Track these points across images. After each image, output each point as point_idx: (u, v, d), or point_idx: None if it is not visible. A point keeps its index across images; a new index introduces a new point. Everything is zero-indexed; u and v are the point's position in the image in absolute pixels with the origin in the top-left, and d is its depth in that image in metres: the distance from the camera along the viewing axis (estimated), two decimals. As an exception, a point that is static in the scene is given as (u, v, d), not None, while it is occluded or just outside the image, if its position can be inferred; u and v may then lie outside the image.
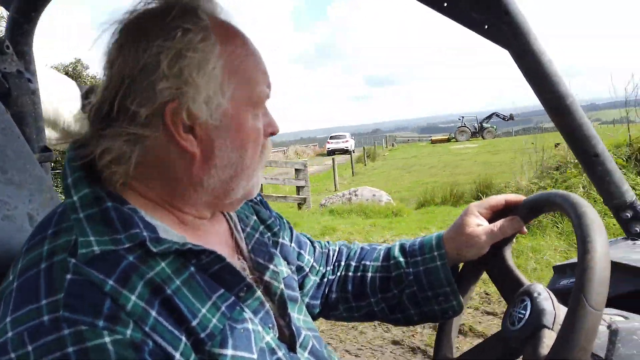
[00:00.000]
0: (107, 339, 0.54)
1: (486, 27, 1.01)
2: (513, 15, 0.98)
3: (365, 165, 24.96)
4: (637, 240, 1.07)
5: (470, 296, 1.02)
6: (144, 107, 0.64)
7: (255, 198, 0.96)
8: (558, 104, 1.01)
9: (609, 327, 0.75)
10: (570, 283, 1.04)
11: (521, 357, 0.78)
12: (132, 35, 0.66)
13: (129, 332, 0.56)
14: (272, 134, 0.77)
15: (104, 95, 0.66)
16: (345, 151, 34.83)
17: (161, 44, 0.64)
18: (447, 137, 41.91)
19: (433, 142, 41.68)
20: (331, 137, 41.30)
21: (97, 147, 0.66)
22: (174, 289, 0.62)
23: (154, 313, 0.59)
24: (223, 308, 0.66)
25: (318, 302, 1.04)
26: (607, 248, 0.67)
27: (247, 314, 0.70)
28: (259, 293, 0.74)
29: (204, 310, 0.64)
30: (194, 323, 0.62)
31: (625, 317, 0.79)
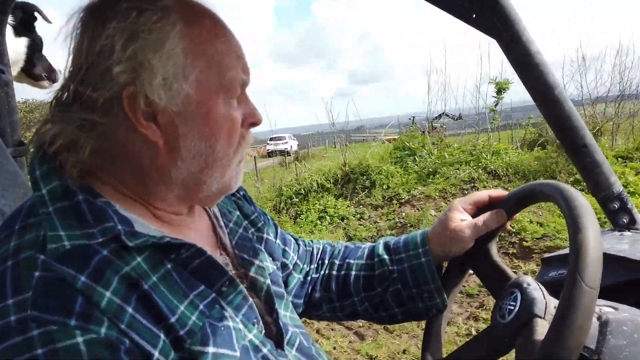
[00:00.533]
0: (79, 339, 0.51)
1: (474, 16, 0.99)
2: (502, 4, 0.97)
3: (286, 168, 24.81)
4: (624, 231, 1.07)
5: (455, 295, 1.01)
6: (99, 92, 0.61)
7: (238, 193, 0.93)
8: (546, 94, 1.00)
9: (599, 318, 0.74)
10: (559, 275, 1.03)
11: (513, 350, 0.77)
12: (91, 20, 0.63)
13: (103, 330, 0.52)
14: (254, 124, 0.73)
15: (64, 82, 0.64)
16: (287, 153, 34.16)
17: (116, 26, 0.60)
18: (398, 137, 41.51)
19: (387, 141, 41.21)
20: (271, 139, 39.36)
21: (48, 132, 0.63)
22: (150, 284, 0.60)
23: (130, 310, 0.56)
24: (201, 306, 0.64)
25: (301, 301, 1.02)
26: (598, 227, 0.67)
27: (227, 311, 0.67)
28: (242, 287, 0.71)
29: (182, 308, 0.61)
30: (173, 320, 0.59)
31: (615, 308, 0.78)
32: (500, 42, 1.01)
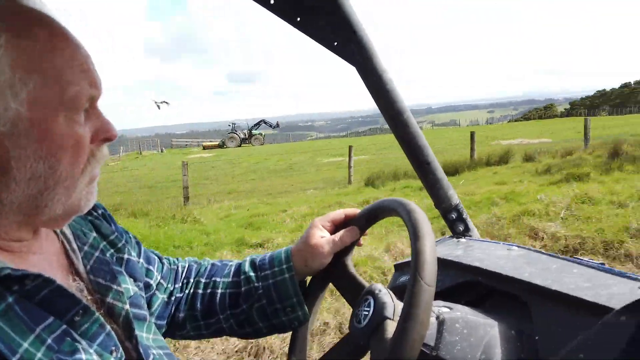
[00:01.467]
0: None
1: (335, 44, 1.09)
2: (359, 35, 1.07)
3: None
4: (461, 238, 1.24)
5: (319, 307, 1.07)
6: None
7: (96, 212, 0.88)
8: (397, 117, 1.13)
9: (437, 318, 0.84)
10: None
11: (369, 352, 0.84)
12: None
13: None
14: (107, 140, 0.68)
15: None
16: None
17: None
18: (217, 143, 42.75)
19: (204, 147, 41.67)
20: None
21: None
22: None
23: None
24: (49, 341, 0.59)
25: (164, 322, 1.00)
26: (433, 235, 0.78)
27: (80, 343, 0.63)
28: (97, 315, 0.67)
29: (25, 345, 0.56)
30: None
31: (450, 308, 0.89)
32: (358, 69, 1.11)
